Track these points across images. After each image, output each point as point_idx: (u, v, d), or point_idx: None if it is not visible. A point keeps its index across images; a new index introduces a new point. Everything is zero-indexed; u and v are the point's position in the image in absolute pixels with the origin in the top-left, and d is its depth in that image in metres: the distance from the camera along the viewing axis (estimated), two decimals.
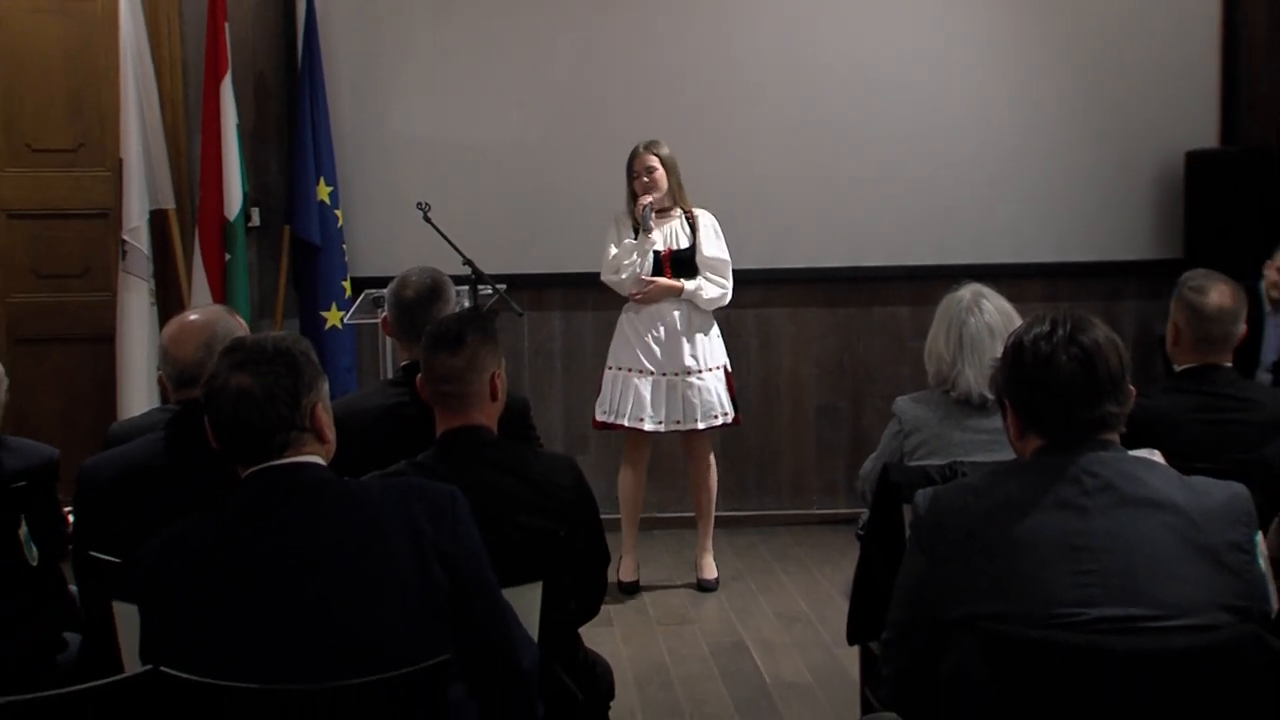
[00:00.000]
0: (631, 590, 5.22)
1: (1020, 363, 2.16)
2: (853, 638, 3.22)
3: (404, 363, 3.38)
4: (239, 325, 2.99)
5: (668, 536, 5.85)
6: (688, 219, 5.14)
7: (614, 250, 5.11)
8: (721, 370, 5.17)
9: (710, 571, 5.32)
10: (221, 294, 5.56)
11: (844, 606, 3.28)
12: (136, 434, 2.93)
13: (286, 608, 2.05)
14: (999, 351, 2.37)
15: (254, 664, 2.01)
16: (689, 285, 5.07)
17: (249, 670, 2.00)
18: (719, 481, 5.37)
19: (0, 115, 5.79)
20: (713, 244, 5.12)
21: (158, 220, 5.66)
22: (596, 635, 4.03)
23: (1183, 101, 6.12)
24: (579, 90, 5.96)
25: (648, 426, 5.08)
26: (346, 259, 5.79)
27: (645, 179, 5.04)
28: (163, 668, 2.00)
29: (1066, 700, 1.97)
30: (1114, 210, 6.16)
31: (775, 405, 6.17)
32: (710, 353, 5.15)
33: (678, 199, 5.13)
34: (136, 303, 5.55)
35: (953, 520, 2.13)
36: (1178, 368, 3.31)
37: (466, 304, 4.67)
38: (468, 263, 4.81)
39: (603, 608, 3.09)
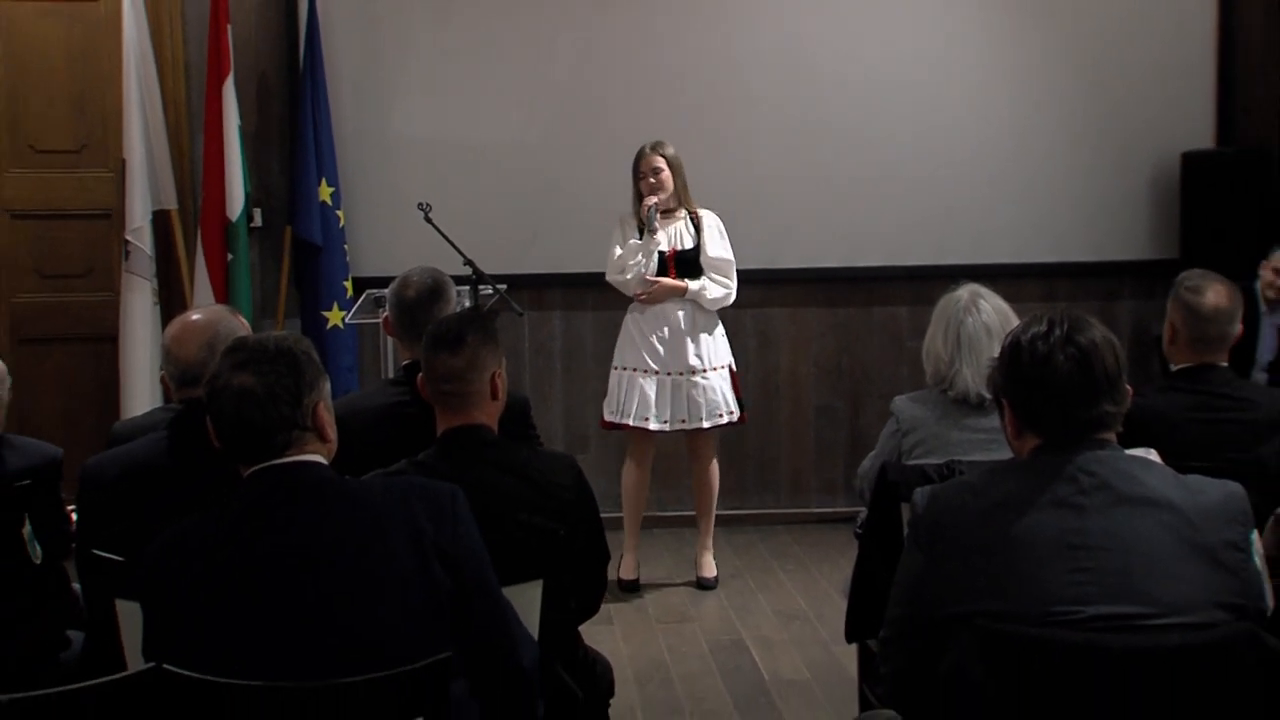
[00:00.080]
0: (631, 588, 5.23)
1: (1018, 362, 2.17)
2: (851, 635, 3.23)
3: (405, 362, 3.39)
4: (241, 325, 3.00)
5: (667, 535, 5.86)
6: (692, 219, 5.15)
7: (619, 251, 5.13)
8: (726, 369, 5.18)
9: (710, 570, 5.34)
10: (224, 294, 5.57)
11: (842, 604, 3.29)
12: (139, 433, 2.94)
13: (288, 606, 2.06)
14: (996, 351, 2.38)
15: (256, 662, 2.02)
16: (693, 285, 5.09)
17: (251, 668, 2.01)
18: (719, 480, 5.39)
19: (4, 116, 5.81)
20: (717, 244, 5.14)
21: (160, 220, 5.68)
22: (596, 633, 4.04)
23: (1179, 103, 6.13)
24: (579, 90, 5.97)
25: (653, 426, 5.09)
26: (348, 259, 5.81)
27: (652, 179, 5.06)
28: (165, 665, 2.01)
29: (1063, 698, 1.98)
30: (1111, 211, 6.17)
31: (774, 405, 6.18)
32: (715, 352, 5.16)
33: (683, 199, 5.14)
34: (139, 303, 5.56)
35: (950, 519, 2.14)
36: (1174, 367, 3.32)
37: (467, 304, 4.68)
38: (468, 263, 4.82)
39: (603, 606, 3.10)
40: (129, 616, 2.37)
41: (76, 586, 3.06)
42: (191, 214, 5.81)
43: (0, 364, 3.49)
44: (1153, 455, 2.37)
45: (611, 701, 3.17)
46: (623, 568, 5.23)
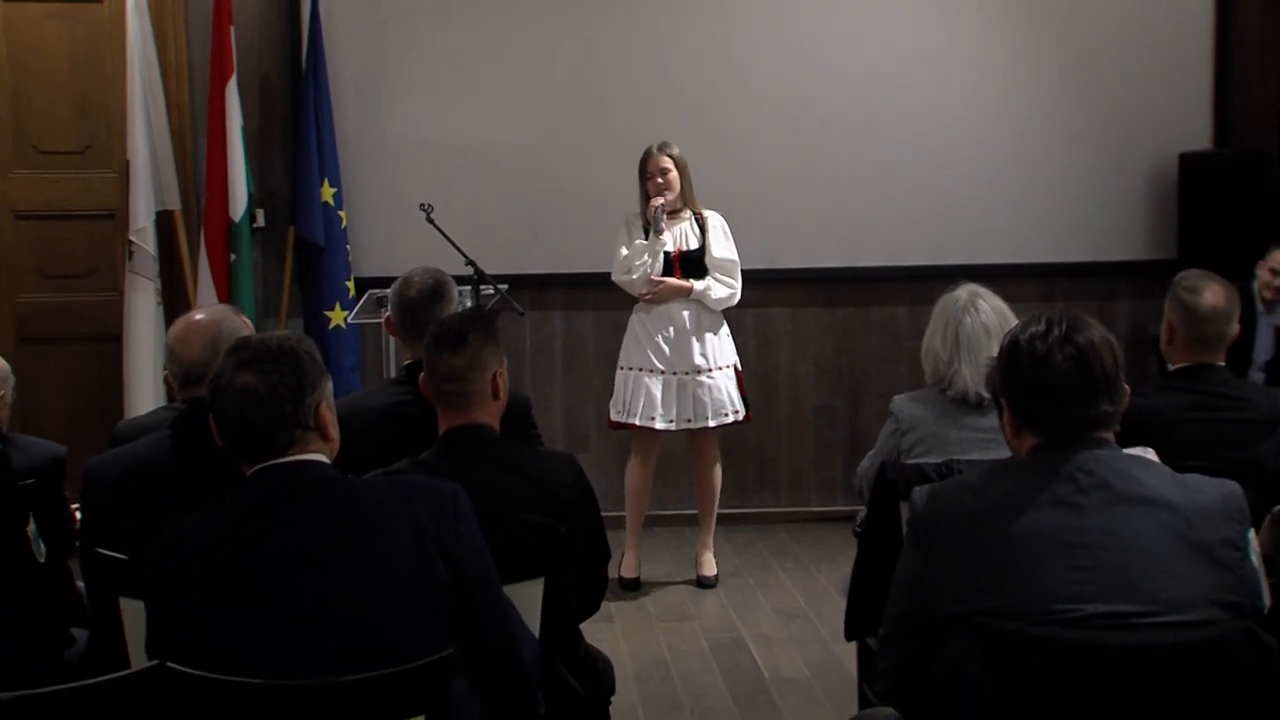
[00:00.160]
0: (632, 587, 5.25)
1: (1016, 362, 2.18)
2: (850, 633, 3.25)
3: (407, 362, 3.39)
4: (244, 325, 3.01)
5: (668, 533, 5.87)
6: (697, 220, 5.17)
7: (625, 251, 5.14)
8: (731, 369, 5.20)
9: (710, 568, 5.35)
10: (227, 294, 5.58)
11: (841, 603, 3.31)
12: (142, 433, 2.94)
13: (290, 604, 2.06)
14: (995, 351, 2.39)
15: (259, 660, 2.03)
16: (698, 285, 5.10)
17: (254, 666, 2.02)
18: None
19: (8, 117, 5.82)
20: (722, 245, 5.15)
21: (164, 221, 5.69)
22: (597, 631, 4.05)
23: (1177, 104, 6.14)
24: (580, 91, 5.98)
25: (659, 425, 5.10)
26: (350, 259, 5.82)
27: (660, 180, 5.07)
28: (169, 663, 2.01)
29: (1061, 695, 1.99)
30: (1109, 211, 6.17)
31: (774, 404, 6.19)
32: (720, 352, 5.18)
33: (688, 200, 5.16)
34: (142, 303, 5.57)
35: (949, 517, 2.14)
36: (1172, 367, 3.33)
37: (469, 304, 4.69)
38: (470, 263, 4.84)
39: (603, 604, 3.11)
40: (132, 614, 2.37)
41: (80, 585, 3.07)
42: (195, 214, 5.82)
43: (4, 364, 3.52)
44: (1150, 454, 2.38)
45: (612, 699, 3.17)
46: (624, 566, 5.24)
